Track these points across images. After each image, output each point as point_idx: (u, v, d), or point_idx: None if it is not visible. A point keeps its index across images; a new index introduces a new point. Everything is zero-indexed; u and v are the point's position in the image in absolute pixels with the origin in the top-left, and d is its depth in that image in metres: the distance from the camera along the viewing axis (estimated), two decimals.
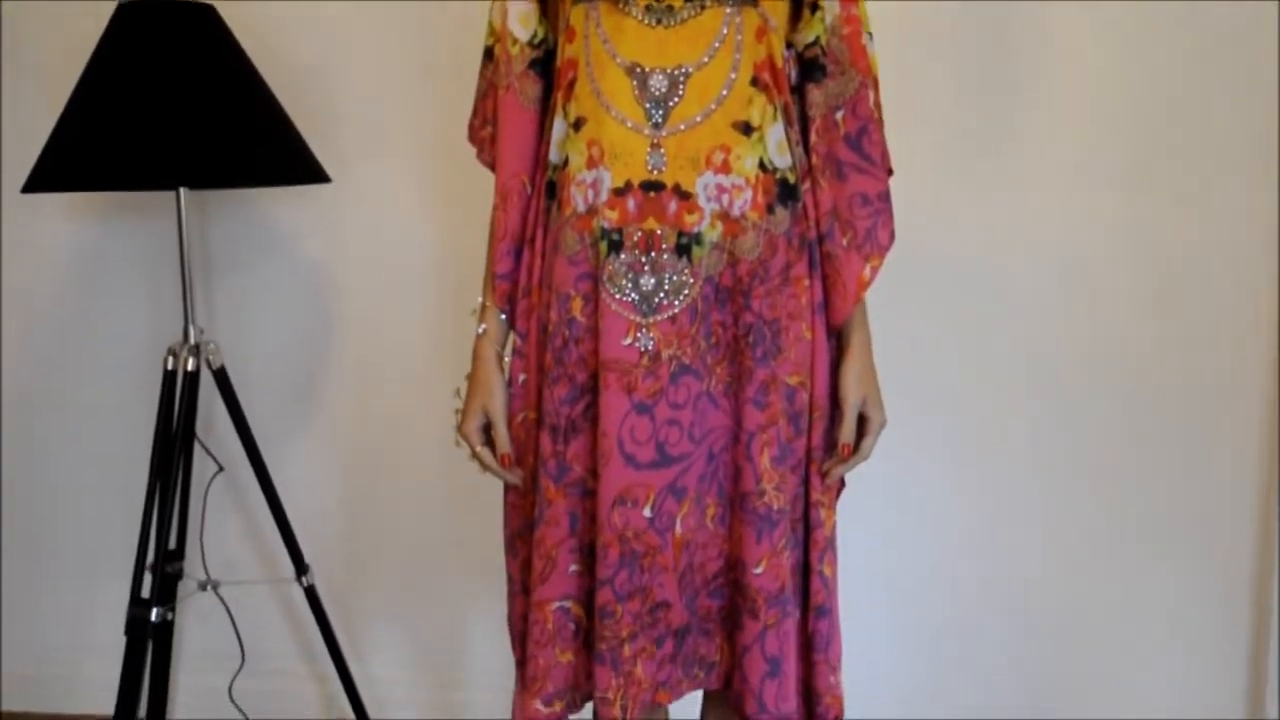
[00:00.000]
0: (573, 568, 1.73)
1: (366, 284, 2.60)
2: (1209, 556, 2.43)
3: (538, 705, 1.74)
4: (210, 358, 2.37)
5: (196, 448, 2.48)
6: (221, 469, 2.52)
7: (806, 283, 1.71)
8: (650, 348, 1.66)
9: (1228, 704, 2.47)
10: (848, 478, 1.84)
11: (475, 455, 1.79)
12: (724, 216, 1.65)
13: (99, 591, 2.75)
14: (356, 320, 2.62)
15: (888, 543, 2.51)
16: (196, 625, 2.74)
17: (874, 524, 2.48)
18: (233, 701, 2.66)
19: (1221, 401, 2.39)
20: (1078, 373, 2.42)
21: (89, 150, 2.12)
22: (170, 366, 2.34)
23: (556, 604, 1.73)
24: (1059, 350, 2.42)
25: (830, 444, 1.75)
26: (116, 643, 2.34)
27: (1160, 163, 2.34)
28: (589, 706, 1.81)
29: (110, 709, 2.29)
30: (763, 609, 1.70)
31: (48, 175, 2.15)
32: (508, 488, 1.82)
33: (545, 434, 1.72)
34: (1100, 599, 2.48)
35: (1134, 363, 2.40)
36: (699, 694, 1.92)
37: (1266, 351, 2.35)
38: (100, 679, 2.66)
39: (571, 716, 1.79)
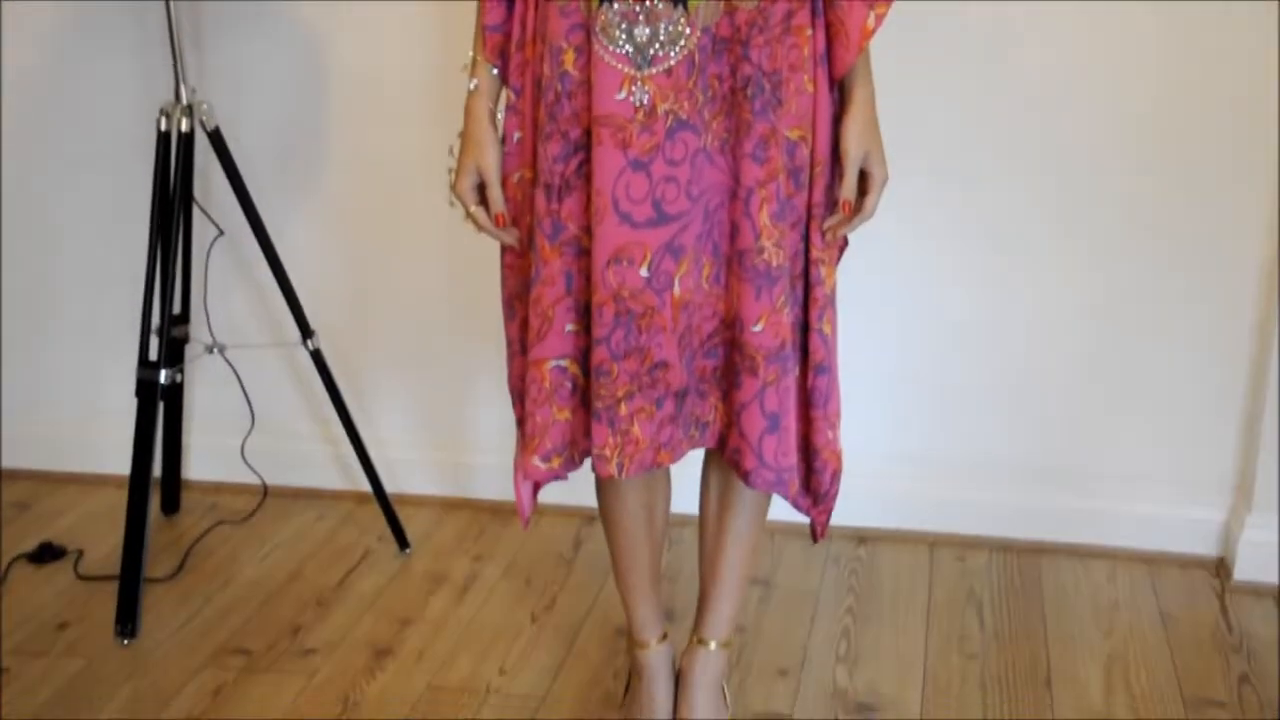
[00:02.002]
0: (569, 327, 1.72)
1: (362, 41, 2.52)
2: (1206, 341, 2.40)
3: (536, 461, 1.76)
4: (204, 119, 2.32)
5: (196, 212, 2.46)
6: (222, 232, 2.50)
7: (809, 32, 1.64)
8: (645, 102, 1.60)
9: (1214, 494, 2.49)
10: (851, 237, 1.80)
11: (470, 215, 1.76)
12: None
13: (108, 355, 2.77)
14: (353, 79, 2.55)
15: (883, 313, 2.49)
16: (206, 390, 2.77)
17: (870, 293, 2.45)
18: (245, 462, 2.71)
19: (1225, 183, 2.32)
20: (1084, 152, 2.35)
21: None
22: (164, 127, 2.30)
23: (553, 363, 1.73)
24: (1065, 128, 2.34)
25: (832, 201, 1.71)
26: (128, 406, 2.37)
27: None
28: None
29: (125, 469, 2.32)
30: (762, 366, 1.69)
31: None
32: (504, 248, 1.80)
33: (540, 192, 1.68)
34: (1095, 379, 2.47)
35: (1139, 141, 2.33)
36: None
37: (1268, 138, 2.28)
38: (113, 441, 2.70)
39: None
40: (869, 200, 1.70)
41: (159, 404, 2.34)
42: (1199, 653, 2.24)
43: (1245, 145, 2.30)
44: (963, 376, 2.51)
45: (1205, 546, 2.51)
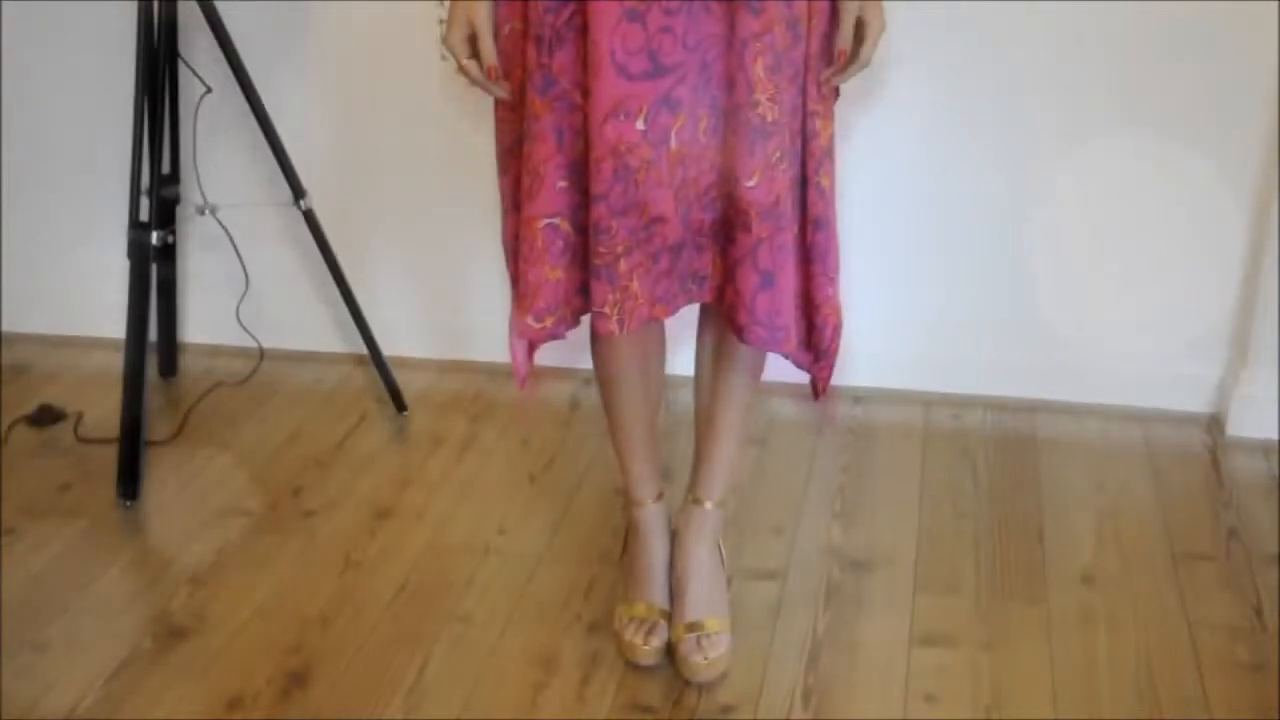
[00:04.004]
0: (560, 184, 1.69)
1: None
2: (1204, 198, 2.38)
3: (529, 321, 1.74)
4: None
5: (182, 69, 2.41)
6: (209, 89, 2.46)
7: None
8: None
9: (1210, 351, 2.49)
10: (842, 86, 1.77)
11: (461, 68, 1.72)
12: None
13: (101, 217, 2.74)
14: None
15: (882, 178, 2.46)
16: (199, 251, 2.75)
17: (870, 159, 2.42)
18: (241, 325, 2.70)
19: (1226, 47, 2.29)
20: (1085, 21, 2.31)
21: None
22: None
23: (545, 220, 1.70)
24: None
25: (828, 51, 1.67)
26: (122, 268, 2.35)
27: None
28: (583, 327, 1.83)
29: (121, 332, 2.32)
30: (755, 222, 1.67)
31: None
32: (497, 102, 1.76)
33: (531, 45, 1.65)
34: (1091, 236, 2.45)
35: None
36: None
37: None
38: (109, 304, 2.69)
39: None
40: (865, 49, 1.66)
41: (152, 265, 2.32)
42: (1190, 507, 2.26)
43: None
44: (959, 238, 2.50)
45: (1200, 403, 2.52)
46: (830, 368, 1.85)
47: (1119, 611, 2.00)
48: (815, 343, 1.82)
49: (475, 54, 1.70)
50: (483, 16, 1.67)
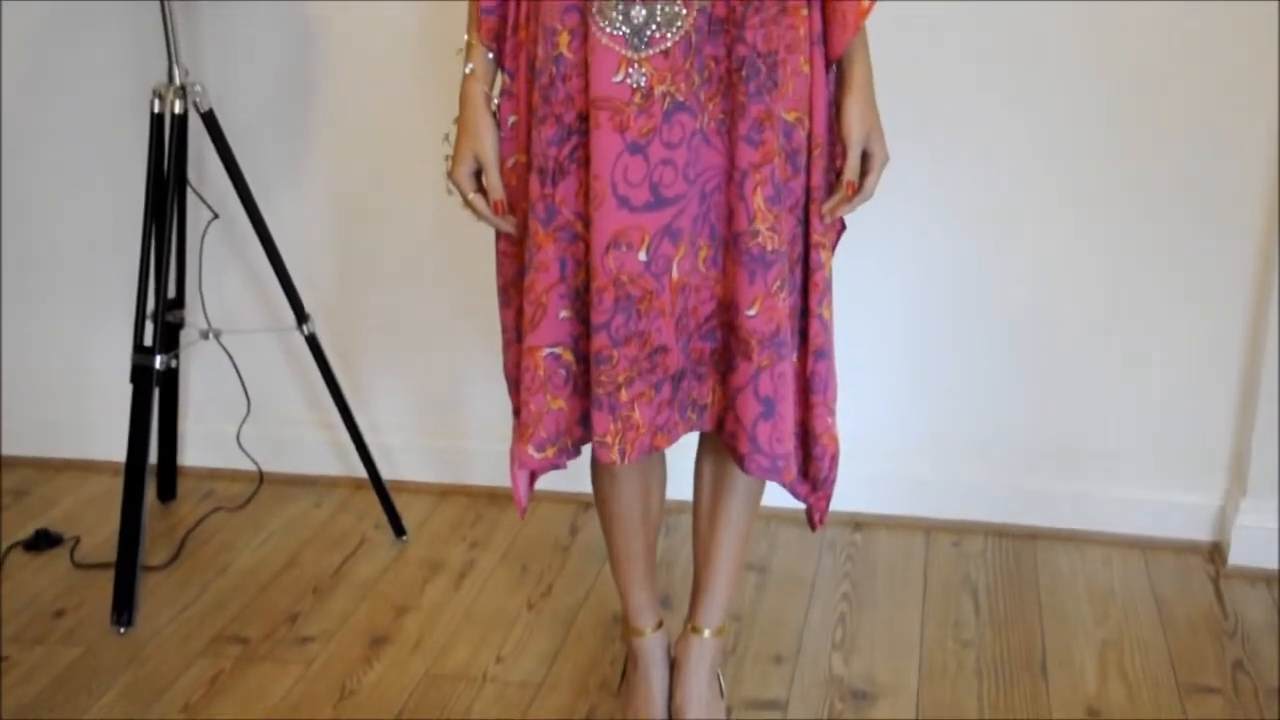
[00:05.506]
0: (563, 313, 1.71)
1: (355, 22, 2.51)
2: (1200, 326, 2.40)
3: (530, 450, 1.75)
4: (197, 100, 2.31)
5: (190, 195, 2.45)
6: (216, 216, 2.49)
7: (804, 12, 1.63)
8: (642, 84, 1.60)
9: (1209, 479, 2.49)
10: (848, 220, 1.80)
11: (468, 203, 1.75)
12: None
13: (103, 341, 2.76)
14: (345, 61, 2.54)
15: (879, 300, 2.48)
16: (201, 374, 2.76)
17: (867, 279, 2.45)
18: (241, 448, 2.70)
19: (1222, 172, 2.32)
20: (1079, 141, 2.34)
21: None
22: (157, 109, 2.29)
23: (547, 350, 1.72)
24: (1061, 121, 2.33)
25: (830, 183, 1.70)
26: (123, 392, 2.36)
27: None
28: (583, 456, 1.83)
29: (121, 456, 2.32)
30: (756, 351, 1.68)
31: None
32: (499, 235, 1.79)
33: (534, 177, 1.67)
34: (1090, 364, 2.46)
35: (1138, 130, 2.32)
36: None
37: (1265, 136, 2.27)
38: (109, 427, 2.69)
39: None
40: (869, 180, 1.69)
41: (154, 390, 2.33)
42: (1194, 638, 2.24)
43: (1241, 144, 2.30)
44: (958, 363, 2.51)
45: (1200, 531, 2.51)
46: (828, 498, 1.86)
47: None
48: (813, 473, 1.82)
49: (481, 188, 1.73)
50: (489, 151, 1.71)
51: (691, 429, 1.79)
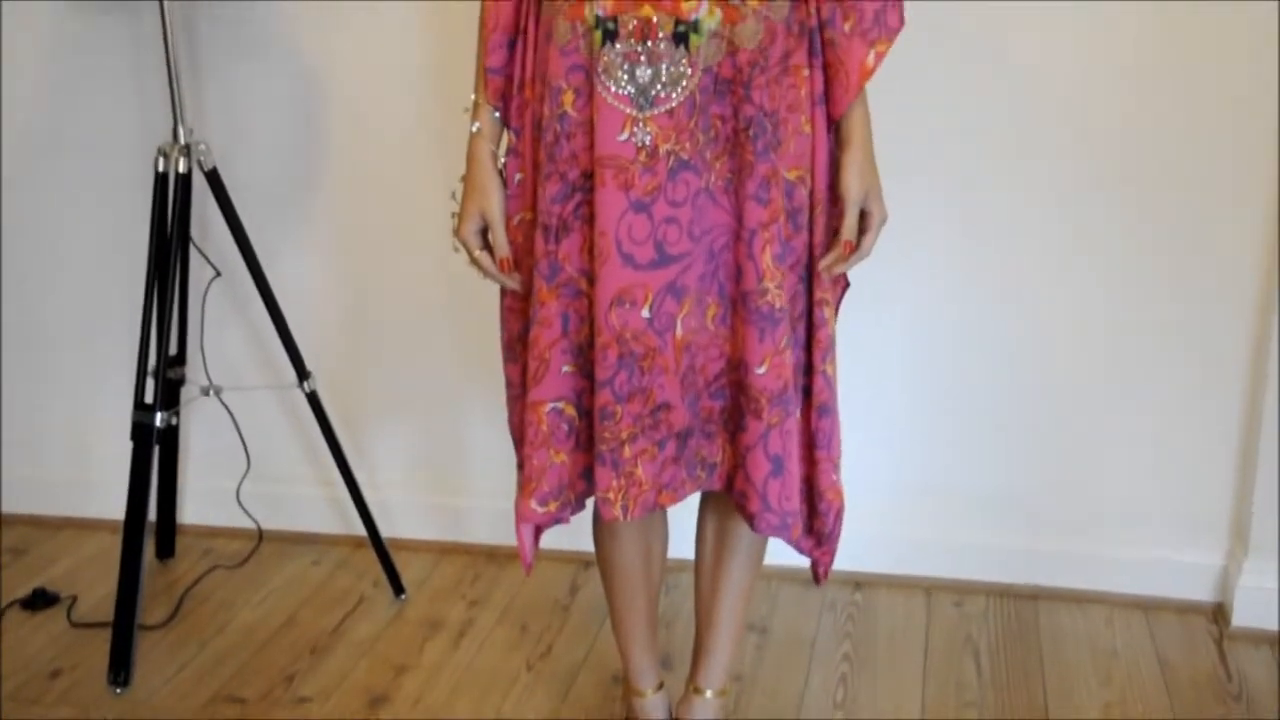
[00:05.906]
0: (565, 369, 1.71)
1: (359, 81, 2.53)
2: (1201, 385, 2.40)
3: (533, 505, 1.75)
4: (201, 159, 2.33)
5: (193, 252, 2.46)
6: (219, 274, 2.50)
7: (806, 72, 1.65)
8: (647, 143, 1.61)
9: (1211, 539, 2.48)
10: (851, 278, 1.81)
11: (474, 260, 1.75)
12: (722, 2, 1.59)
13: (103, 398, 2.76)
14: (349, 119, 2.56)
15: (879, 358, 2.49)
16: (201, 431, 2.76)
17: (866, 337, 2.45)
18: (241, 506, 2.69)
19: (1222, 224, 2.33)
20: (1080, 164, 2.35)
21: None
22: (161, 168, 2.30)
23: (550, 405, 1.72)
24: (1059, 134, 2.34)
25: (830, 241, 1.72)
26: (123, 449, 2.35)
27: None
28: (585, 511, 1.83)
29: (119, 513, 2.31)
30: (766, 409, 1.69)
31: None
32: (505, 292, 1.79)
33: (538, 233, 1.68)
34: (1091, 424, 2.46)
35: (1135, 152, 2.33)
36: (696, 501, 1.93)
37: (1268, 141, 2.28)
38: (108, 485, 2.68)
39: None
40: (867, 239, 1.70)
41: (154, 447, 2.33)
42: (1197, 700, 2.22)
43: (1241, 187, 2.31)
44: (960, 422, 2.51)
45: (1203, 592, 2.50)
46: (833, 553, 1.85)
47: None
48: (818, 528, 1.82)
49: (487, 245, 1.74)
50: (495, 209, 1.72)
51: (700, 487, 1.79)
